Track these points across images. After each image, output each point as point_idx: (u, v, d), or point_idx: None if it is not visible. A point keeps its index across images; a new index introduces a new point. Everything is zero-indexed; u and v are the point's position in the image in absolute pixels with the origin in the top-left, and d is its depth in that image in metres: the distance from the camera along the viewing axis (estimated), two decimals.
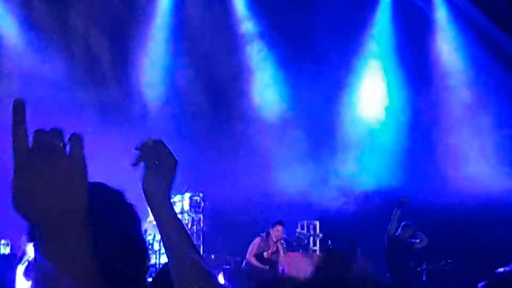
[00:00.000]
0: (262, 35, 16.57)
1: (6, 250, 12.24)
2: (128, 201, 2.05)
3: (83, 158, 1.49)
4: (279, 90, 16.55)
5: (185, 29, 16.39)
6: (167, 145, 2.40)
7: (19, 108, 1.47)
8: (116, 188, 2.03)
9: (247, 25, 16.60)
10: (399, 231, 12.39)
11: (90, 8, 16.07)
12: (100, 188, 1.96)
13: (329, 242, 14.33)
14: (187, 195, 14.37)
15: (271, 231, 12.38)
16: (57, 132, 1.48)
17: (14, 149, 1.46)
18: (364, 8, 16.67)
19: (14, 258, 10.22)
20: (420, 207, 13.89)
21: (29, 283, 9.52)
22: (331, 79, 16.04)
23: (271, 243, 12.38)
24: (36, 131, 1.47)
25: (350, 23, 16.29)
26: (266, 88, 16.61)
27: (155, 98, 16.19)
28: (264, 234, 12.49)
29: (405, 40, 16.33)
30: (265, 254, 12.31)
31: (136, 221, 2.01)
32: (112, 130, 14.16)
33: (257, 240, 12.50)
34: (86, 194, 1.47)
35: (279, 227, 12.40)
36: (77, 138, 1.49)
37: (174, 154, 2.33)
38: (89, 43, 16.20)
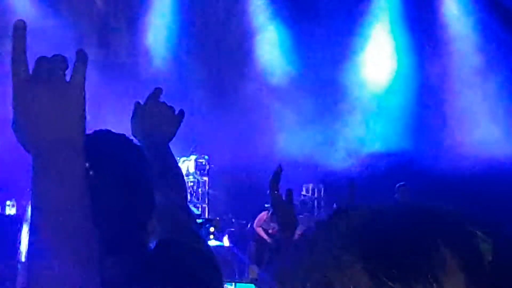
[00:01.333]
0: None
1: (12, 211, 12.30)
2: (134, 143, 2.04)
3: (82, 87, 1.46)
4: (285, 53, 16.47)
5: None
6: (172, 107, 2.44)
7: (19, 31, 1.45)
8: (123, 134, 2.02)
9: None
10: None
11: None
12: (107, 133, 1.96)
13: (334, 205, 14.35)
14: (192, 158, 14.39)
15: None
16: (59, 60, 1.46)
17: (13, 73, 1.43)
18: None
19: (20, 218, 10.26)
20: (427, 171, 13.90)
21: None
22: (338, 42, 15.96)
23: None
24: (38, 58, 1.45)
25: None
26: (272, 51, 16.53)
27: (161, 59, 16.14)
28: (270, 210, 12.45)
29: (413, 4, 16.22)
30: (270, 231, 12.30)
31: (143, 160, 1.99)
32: (116, 90, 14.15)
33: (263, 214, 12.49)
34: (83, 124, 1.45)
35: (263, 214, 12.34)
36: (81, 65, 1.47)
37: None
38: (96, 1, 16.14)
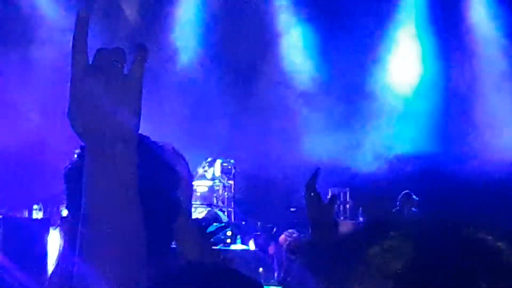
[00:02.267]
0: (293, 1, 16.46)
1: (39, 215, 12.37)
2: (174, 159, 2.04)
3: (141, 81, 1.47)
4: (311, 56, 16.45)
5: None
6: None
7: (82, 20, 1.45)
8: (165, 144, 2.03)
9: None
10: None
11: None
12: (149, 141, 1.97)
13: (360, 209, 14.32)
14: (218, 161, 14.41)
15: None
16: (119, 52, 1.46)
17: (73, 61, 1.43)
18: None
19: (47, 223, 10.31)
20: (454, 175, 13.83)
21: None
22: (364, 46, 15.92)
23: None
24: (98, 49, 1.45)
25: None
26: (297, 54, 16.52)
27: (185, 64, 16.19)
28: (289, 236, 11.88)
29: (438, 7, 16.15)
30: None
31: (176, 181, 2.00)
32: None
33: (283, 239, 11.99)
34: (138, 120, 1.45)
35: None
36: (141, 61, 1.47)
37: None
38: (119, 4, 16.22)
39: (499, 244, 0.95)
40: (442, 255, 0.94)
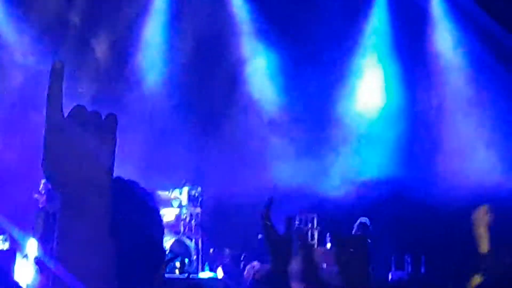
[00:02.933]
0: (259, 29, 16.54)
1: (5, 246, 12.24)
2: (156, 205, 2.06)
3: (115, 133, 1.52)
4: (277, 83, 16.51)
5: (181, 20, 16.39)
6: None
7: (56, 72, 1.48)
8: (146, 189, 2.06)
9: (243, 15, 16.58)
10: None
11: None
12: (132, 185, 1.99)
13: (328, 235, 14.33)
14: (185, 189, 14.37)
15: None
16: (95, 114, 1.51)
17: (48, 114, 1.46)
18: (362, 1, 16.65)
19: (14, 252, 10.20)
20: (420, 199, 13.92)
21: (30, 277, 9.50)
22: (329, 72, 16.03)
23: None
24: (74, 106, 1.49)
25: (347, 16, 16.27)
26: (264, 81, 16.58)
27: (151, 91, 16.17)
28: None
29: (402, 35, 16.31)
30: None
31: (159, 227, 2.03)
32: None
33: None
34: (111, 170, 1.49)
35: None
36: (112, 117, 1.53)
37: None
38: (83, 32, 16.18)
39: None
40: None
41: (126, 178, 2.00)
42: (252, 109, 16.41)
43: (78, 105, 1.50)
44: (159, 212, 2.03)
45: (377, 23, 16.59)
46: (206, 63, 16.20)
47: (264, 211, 2.92)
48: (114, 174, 1.97)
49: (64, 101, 1.47)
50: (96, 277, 1.43)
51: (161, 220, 2.02)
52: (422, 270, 13.77)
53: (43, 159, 1.46)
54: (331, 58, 15.96)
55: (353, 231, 12.57)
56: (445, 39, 16.33)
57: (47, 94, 1.47)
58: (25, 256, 10.03)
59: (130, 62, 16.27)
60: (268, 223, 2.91)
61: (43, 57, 14.88)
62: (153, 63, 16.35)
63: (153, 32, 16.42)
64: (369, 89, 16.55)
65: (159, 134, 15.32)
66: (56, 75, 1.47)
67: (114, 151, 1.50)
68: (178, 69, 16.30)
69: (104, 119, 1.52)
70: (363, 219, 12.60)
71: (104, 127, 1.51)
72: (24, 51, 15.26)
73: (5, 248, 11.97)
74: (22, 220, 10.89)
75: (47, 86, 1.47)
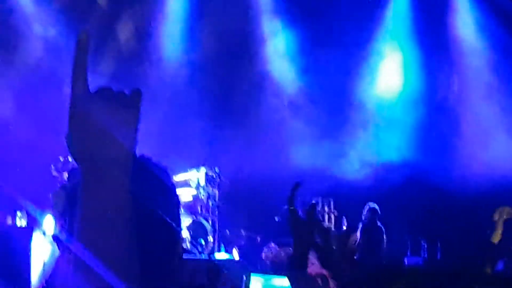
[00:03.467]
0: (279, 8, 16.47)
1: (23, 222, 12.30)
2: (170, 180, 2.05)
3: (139, 108, 1.51)
4: (297, 65, 16.47)
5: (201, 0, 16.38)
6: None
7: (82, 43, 1.46)
8: (160, 165, 2.04)
9: None
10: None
11: None
12: (149, 162, 1.98)
13: (344, 218, 14.34)
14: (202, 170, 14.38)
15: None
16: (119, 91, 1.51)
17: (73, 86, 1.46)
18: None
19: (31, 230, 10.27)
20: (437, 185, 13.88)
21: (48, 253, 9.56)
22: (349, 55, 15.97)
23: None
24: (101, 87, 1.49)
25: (368, 1, 16.23)
26: (283, 62, 16.55)
27: (172, 70, 16.16)
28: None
29: (423, 19, 16.21)
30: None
31: (175, 205, 2.01)
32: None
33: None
34: (135, 146, 1.48)
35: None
36: (137, 92, 1.52)
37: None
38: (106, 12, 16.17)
39: None
40: None
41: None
42: (271, 90, 16.39)
43: (103, 86, 1.49)
44: (174, 188, 2.01)
45: (398, 7, 16.50)
46: (226, 42, 16.15)
47: (289, 195, 2.92)
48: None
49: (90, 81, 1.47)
50: (115, 257, 1.43)
51: (176, 197, 2.00)
52: (438, 256, 13.75)
53: (67, 132, 1.45)
54: (351, 41, 15.88)
55: (363, 216, 12.62)
56: (466, 23, 16.22)
57: (72, 66, 1.46)
58: (43, 233, 10.10)
59: (149, 41, 16.26)
60: (292, 208, 2.92)
61: (64, 30, 14.90)
62: (173, 43, 16.35)
63: (173, 12, 16.40)
64: (389, 73, 16.48)
65: (177, 114, 15.32)
66: (81, 47, 1.46)
67: (137, 128, 1.49)
68: (197, 49, 16.27)
69: (129, 94, 1.51)
70: (372, 204, 12.62)
71: (129, 103, 1.50)
72: (45, 22, 15.22)
73: (23, 225, 12.05)
74: (39, 197, 10.93)
75: (72, 58, 1.46)
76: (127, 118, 1.48)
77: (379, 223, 12.50)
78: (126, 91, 1.51)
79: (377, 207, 12.58)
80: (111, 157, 1.44)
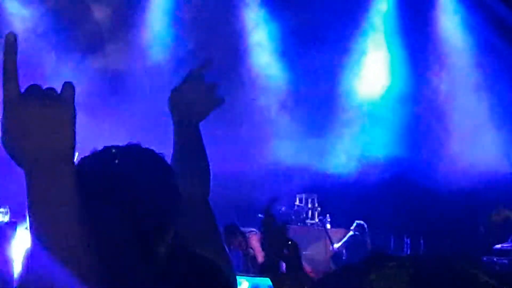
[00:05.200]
0: (263, 2, 16.41)
1: (5, 218, 12.24)
2: (159, 155, 2.08)
3: (72, 103, 1.49)
4: (281, 61, 16.44)
5: None
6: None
7: (10, 45, 1.46)
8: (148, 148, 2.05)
9: None
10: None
11: None
12: (133, 148, 2.00)
13: (327, 215, 14.37)
14: None
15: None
16: (50, 88, 1.50)
17: (4, 88, 1.44)
18: None
19: (14, 225, 10.23)
20: (422, 181, 13.93)
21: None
22: (334, 51, 15.96)
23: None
24: (29, 85, 1.48)
25: None
26: (267, 58, 16.51)
27: (155, 67, 16.11)
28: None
29: (409, 16, 16.22)
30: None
31: (169, 170, 2.03)
32: (109, 98, 14.20)
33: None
34: (74, 139, 1.47)
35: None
36: (69, 86, 1.50)
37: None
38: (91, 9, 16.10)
39: (488, 279, 1.02)
40: (436, 283, 1.01)
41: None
42: (255, 85, 16.35)
43: (32, 84, 1.48)
44: (173, 182, 2.01)
45: (383, 4, 16.52)
46: (208, 35, 16.09)
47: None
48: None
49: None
50: (69, 252, 1.43)
51: (174, 189, 2.00)
52: (420, 253, 13.80)
53: (2, 136, 1.45)
54: (337, 36, 15.87)
55: (351, 231, 12.76)
56: (451, 20, 16.25)
57: (2, 69, 1.45)
58: (26, 228, 10.05)
59: (132, 33, 16.19)
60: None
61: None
62: (155, 36, 16.27)
63: (157, 2, 16.33)
64: (375, 69, 16.49)
65: (161, 109, 15.27)
66: (9, 49, 1.46)
67: (73, 123, 1.48)
68: (180, 42, 16.20)
69: (62, 91, 1.50)
70: (360, 222, 12.82)
71: (62, 99, 1.49)
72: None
73: (5, 221, 11.98)
74: (23, 192, 10.85)
75: (1, 61, 1.46)
76: (60, 114, 1.47)
77: (368, 240, 12.69)
78: (58, 88, 1.50)
79: (365, 225, 12.77)
80: (52, 152, 1.44)
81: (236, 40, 16.45)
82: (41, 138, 1.43)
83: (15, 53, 1.45)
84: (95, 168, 1.63)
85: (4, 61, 1.45)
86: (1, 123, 1.45)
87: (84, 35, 15.65)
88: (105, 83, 15.05)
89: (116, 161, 1.88)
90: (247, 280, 8.98)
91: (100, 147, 1.93)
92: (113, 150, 1.90)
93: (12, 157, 1.47)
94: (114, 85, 15.18)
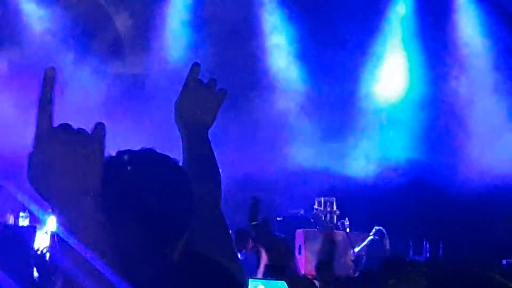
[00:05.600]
0: (282, 4, 16.39)
1: (25, 222, 12.32)
2: (177, 164, 2.06)
3: (102, 143, 1.51)
4: (300, 64, 16.42)
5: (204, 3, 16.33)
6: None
7: (49, 79, 1.47)
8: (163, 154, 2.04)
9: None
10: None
11: None
12: (150, 152, 2.00)
13: (346, 219, 14.33)
14: None
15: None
16: (81, 128, 1.51)
17: (38, 121, 1.46)
18: None
19: (34, 229, 10.28)
20: (441, 185, 13.86)
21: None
22: (353, 55, 15.92)
23: None
24: (63, 124, 1.50)
25: (372, 2, 16.21)
26: (286, 62, 16.49)
27: (174, 70, 16.12)
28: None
29: (427, 20, 16.16)
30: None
31: (183, 176, 2.02)
32: (126, 102, 14.23)
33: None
34: (100, 177, 1.49)
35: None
36: (100, 126, 1.51)
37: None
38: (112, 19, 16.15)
39: (506, 282, 1.03)
40: (453, 287, 1.02)
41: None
42: (274, 89, 16.34)
43: (64, 123, 1.50)
44: (187, 187, 2.01)
45: (402, 8, 16.48)
46: (227, 37, 16.10)
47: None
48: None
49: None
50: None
51: (188, 194, 2.00)
52: (439, 257, 13.73)
53: (28, 170, 1.46)
54: (356, 40, 15.85)
55: (371, 236, 12.77)
56: (470, 23, 16.18)
57: (38, 102, 1.46)
58: (46, 233, 10.10)
59: (152, 37, 16.22)
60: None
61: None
62: (174, 39, 16.29)
63: (175, 7, 16.36)
64: (394, 73, 16.45)
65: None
66: (47, 83, 1.47)
67: (101, 160, 1.50)
68: (199, 49, 16.21)
69: (92, 129, 1.52)
70: (379, 228, 12.84)
71: (92, 138, 1.50)
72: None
73: (25, 225, 12.05)
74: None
75: (38, 94, 1.47)
76: (89, 152, 1.48)
77: (387, 245, 12.70)
78: (89, 127, 1.52)
79: (384, 230, 12.80)
80: (79, 188, 1.45)
81: (254, 42, 16.46)
82: (68, 174, 1.44)
83: (53, 87, 1.46)
84: (108, 174, 1.66)
85: (42, 94, 1.46)
86: (30, 155, 1.46)
87: (103, 40, 15.71)
88: (123, 87, 15.10)
89: (129, 168, 1.88)
90: (262, 284, 9.03)
91: (114, 152, 1.93)
92: (125, 157, 1.90)
93: (36, 190, 1.47)
94: (132, 89, 15.22)
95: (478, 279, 1.06)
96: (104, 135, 1.51)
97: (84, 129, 1.51)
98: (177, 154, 2.27)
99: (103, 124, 1.52)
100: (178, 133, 2.50)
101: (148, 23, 16.13)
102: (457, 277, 1.03)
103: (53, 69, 1.48)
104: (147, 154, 1.98)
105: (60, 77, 1.48)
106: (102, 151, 1.50)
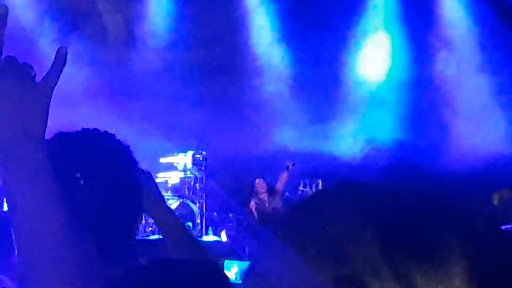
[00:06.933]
0: None
1: None
2: (132, 159, 1.98)
3: (53, 87, 1.43)
4: (284, 46, 16.40)
5: None
6: None
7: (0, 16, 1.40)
8: (122, 142, 1.98)
9: None
10: None
11: None
12: (94, 132, 1.94)
13: None
14: (189, 153, 14.32)
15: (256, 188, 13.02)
16: (28, 65, 1.42)
17: None
18: None
19: None
20: (427, 165, 13.90)
21: None
22: (337, 36, 15.90)
23: (261, 196, 12.87)
24: (8, 56, 1.40)
25: None
26: (270, 45, 16.47)
27: (155, 54, 16.04)
28: (254, 196, 12.88)
29: (411, 1, 16.16)
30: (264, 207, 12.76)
31: (131, 160, 1.96)
32: (109, 84, 14.19)
33: (252, 204, 12.83)
34: (45, 123, 1.41)
35: (257, 180, 13.04)
36: (60, 61, 1.44)
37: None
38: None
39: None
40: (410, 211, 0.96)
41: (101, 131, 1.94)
42: (259, 72, 16.32)
43: (10, 56, 1.41)
44: (134, 166, 1.95)
45: None
46: (210, 26, 16.06)
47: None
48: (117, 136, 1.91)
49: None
50: (46, 230, 1.40)
51: (135, 175, 1.94)
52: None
53: None
54: (339, 21, 15.82)
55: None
56: (454, 5, 16.17)
57: None
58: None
59: (134, 25, 16.15)
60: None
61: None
62: (158, 25, 16.22)
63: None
64: (378, 54, 16.44)
65: (163, 98, 15.24)
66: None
67: (49, 105, 1.42)
68: (182, 32, 16.15)
69: (53, 63, 1.44)
70: None
71: (45, 80, 1.43)
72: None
73: None
74: None
75: None
76: (39, 94, 1.41)
77: None
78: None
79: None
80: (25, 132, 1.38)
81: (237, 25, 16.41)
82: (14, 117, 1.37)
83: (4, 25, 1.39)
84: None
85: None
86: None
87: (88, 30, 15.62)
88: (101, 68, 15.01)
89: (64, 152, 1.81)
90: (237, 265, 9.17)
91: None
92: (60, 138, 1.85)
93: None
94: (116, 76, 15.15)
95: (440, 201, 1.02)
96: (57, 80, 1.43)
97: (32, 67, 1.42)
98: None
99: (62, 62, 1.45)
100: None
101: (129, 11, 16.07)
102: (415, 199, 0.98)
103: (5, 6, 1.40)
104: (92, 133, 1.92)
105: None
106: (50, 95, 1.41)
